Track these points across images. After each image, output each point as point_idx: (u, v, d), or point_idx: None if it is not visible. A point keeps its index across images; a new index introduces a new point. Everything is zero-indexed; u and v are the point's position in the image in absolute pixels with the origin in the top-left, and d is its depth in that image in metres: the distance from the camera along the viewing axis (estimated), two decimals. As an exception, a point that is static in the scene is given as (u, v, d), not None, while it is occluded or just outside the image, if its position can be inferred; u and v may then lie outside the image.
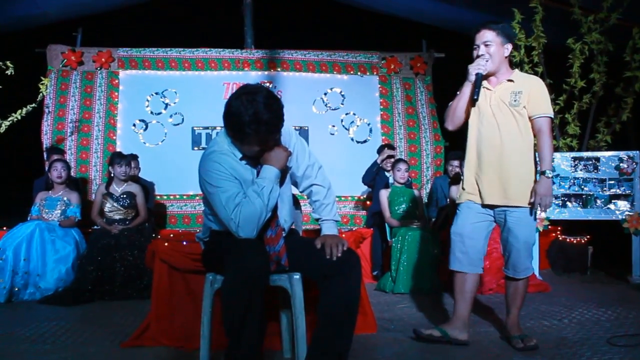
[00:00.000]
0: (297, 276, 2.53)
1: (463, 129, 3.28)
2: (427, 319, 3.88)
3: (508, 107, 3.07)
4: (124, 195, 5.29)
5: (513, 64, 3.15)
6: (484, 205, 3.16)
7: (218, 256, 2.50)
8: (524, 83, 3.10)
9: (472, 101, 3.11)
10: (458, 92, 3.19)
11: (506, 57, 3.13)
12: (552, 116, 3.10)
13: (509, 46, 3.12)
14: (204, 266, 2.68)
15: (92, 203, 5.43)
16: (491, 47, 3.07)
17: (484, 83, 3.11)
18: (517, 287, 3.18)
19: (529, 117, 3.06)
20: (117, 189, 5.32)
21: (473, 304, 3.24)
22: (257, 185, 2.43)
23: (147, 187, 6.10)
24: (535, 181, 3.07)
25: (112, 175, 5.33)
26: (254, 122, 2.32)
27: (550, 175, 3.02)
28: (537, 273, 5.36)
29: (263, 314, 2.38)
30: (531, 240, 3.14)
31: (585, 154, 5.71)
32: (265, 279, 2.40)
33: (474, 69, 3.06)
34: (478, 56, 3.09)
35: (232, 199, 2.40)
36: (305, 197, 2.80)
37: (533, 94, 3.05)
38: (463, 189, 3.24)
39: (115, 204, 5.25)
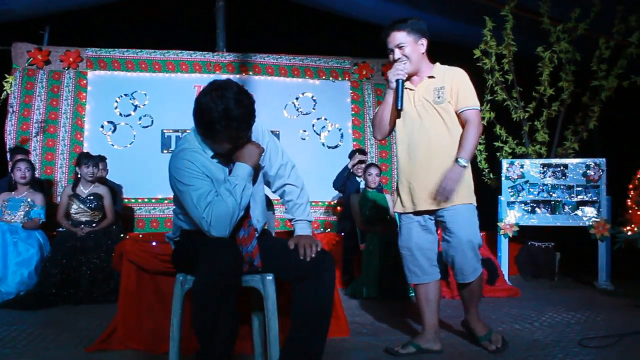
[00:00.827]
0: (270, 277, 2.48)
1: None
2: (399, 323, 3.87)
3: (432, 105, 2.97)
4: (91, 197, 5.16)
5: (438, 62, 3.07)
6: (422, 212, 3.05)
7: (189, 256, 2.44)
8: (445, 77, 2.98)
9: (397, 111, 3.01)
10: (382, 100, 3.15)
11: (423, 53, 3.02)
12: (479, 107, 2.99)
13: (424, 41, 3.00)
14: (174, 267, 2.61)
15: (58, 205, 5.27)
16: (405, 48, 2.96)
17: (407, 84, 3.02)
18: (471, 290, 3.09)
19: (456, 112, 2.96)
20: (83, 190, 5.19)
21: (439, 311, 3.17)
22: (229, 183, 2.37)
23: (115, 190, 5.98)
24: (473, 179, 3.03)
25: (79, 176, 5.20)
26: (225, 118, 2.25)
27: (463, 164, 2.89)
28: (506, 279, 5.41)
29: (235, 316, 2.32)
30: (475, 239, 2.96)
31: (553, 161, 5.79)
32: (238, 279, 2.35)
33: (393, 76, 2.95)
34: (395, 60, 2.98)
35: (203, 198, 2.33)
36: (278, 197, 2.76)
37: (455, 88, 2.94)
38: (398, 196, 3.13)
39: (81, 206, 5.12)
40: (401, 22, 2.98)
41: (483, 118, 6.11)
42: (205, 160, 2.43)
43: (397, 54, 2.97)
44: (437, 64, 3.08)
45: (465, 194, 2.96)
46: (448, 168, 2.91)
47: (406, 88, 3.01)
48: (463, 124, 2.97)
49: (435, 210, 3.01)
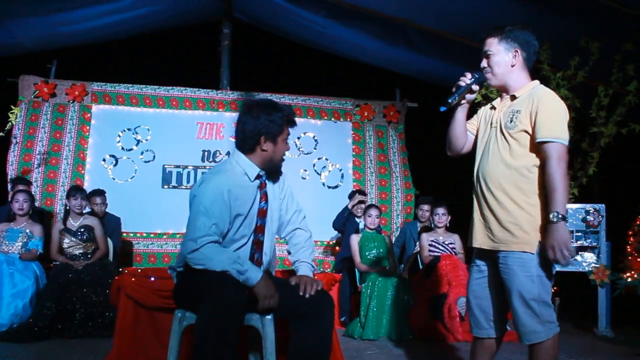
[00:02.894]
0: (269, 316, 2.47)
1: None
2: (397, 365, 3.82)
3: (503, 129, 2.55)
4: (82, 229, 5.17)
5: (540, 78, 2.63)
6: (481, 254, 2.68)
7: (192, 291, 2.43)
8: (527, 99, 2.51)
9: (447, 104, 2.61)
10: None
11: (513, 66, 2.57)
12: (564, 141, 2.41)
13: (518, 52, 2.55)
14: (175, 301, 2.59)
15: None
16: (492, 57, 2.57)
17: (495, 102, 2.70)
18: (531, 355, 2.51)
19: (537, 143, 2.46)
20: (73, 223, 5.21)
21: None
22: (240, 262, 2.40)
23: (113, 223, 5.98)
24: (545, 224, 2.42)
25: (68, 209, 5.21)
26: (289, 111, 2.58)
27: (554, 220, 2.34)
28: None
29: (237, 353, 2.30)
30: (529, 294, 2.42)
31: (553, 206, 5.79)
32: (242, 318, 2.33)
33: (457, 84, 2.62)
34: (482, 68, 2.62)
35: (209, 229, 2.40)
36: (286, 241, 2.85)
37: (534, 112, 2.45)
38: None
39: (73, 239, 5.12)
40: (498, 28, 2.61)
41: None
42: (243, 182, 2.54)
43: (483, 62, 2.62)
44: (534, 82, 2.61)
45: (521, 239, 2.46)
46: (500, 206, 2.53)
47: (490, 108, 2.71)
48: (542, 160, 2.46)
49: (490, 252, 2.59)
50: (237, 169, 2.56)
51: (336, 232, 6.72)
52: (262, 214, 2.61)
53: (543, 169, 2.45)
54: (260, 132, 2.52)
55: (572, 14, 5.33)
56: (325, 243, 7.39)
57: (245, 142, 2.55)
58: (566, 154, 2.43)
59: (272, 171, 2.65)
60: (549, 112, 2.43)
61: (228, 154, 7.14)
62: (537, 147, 2.46)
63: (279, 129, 2.55)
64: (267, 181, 2.65)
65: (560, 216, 2.34)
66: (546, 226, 2.40)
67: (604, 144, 5.92)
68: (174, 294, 2.62)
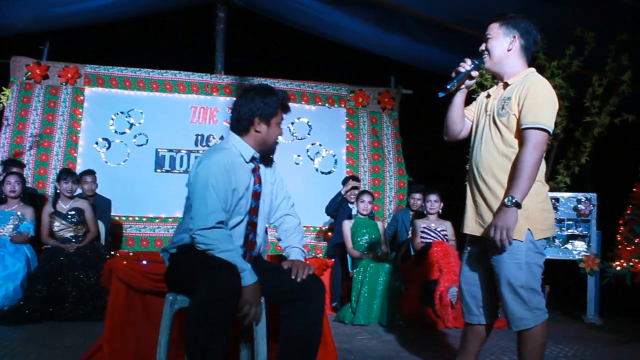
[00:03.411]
0: (261, 300, 2.47)
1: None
2: (387, 350, 3.84)
3: (495, 116, 2.56)
4: (72, 212, 5.17)
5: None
6: (473, 240, 2.70)
7: (185, 275, 2.44)
8: (518, 86, 2.51)
9: (445, 90, 2.62)
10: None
11: (510, 51, 2.57)
12: (547, 128, 2.42)
13: (516, 38, 2.56)
14: (167, 284, 2.60)
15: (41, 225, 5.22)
16: (490, 41, 2.59)
17: (491, 90, 2.70)
18: (519, 342, 2.55)
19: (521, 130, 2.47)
20: (63, 206, 5.20)
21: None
22: (241, 261, 2.39)
23: (103, 204, 5.97)
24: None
25: (58, 192, 5.20)
26: (283, 96, 2.62)
27: (507, 204, 2.37)
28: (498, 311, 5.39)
29: (229, 338, 2.31)
30: (517, 281, 2.44)
31: (545, 194, 5.82)
32: (237, 303, 2.33)
33: (456, 70, 2.63)
34: (481, 51, 2.63)
35: (219, 212, 2.42)
36: (275, 228, 2.86)
37: (523, 99, 2.45)
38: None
39: (64, 222, 5.11)
40: (501, 14, 2.61)
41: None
42: (238, 163, 2.57)
43: (482, 45, 2.63)
44: (529, 69, 2.60)
45: None
46: (491, 193, 2.54)
47: (485, 96, 2.71)
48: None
49: (480, 238, 2.61)
50: (233, 149, 2.59)
51: (329, 218, 6.74)
52: (256, 196, 2.63)
53: (518, 153, 2.46)
54: (254, 113, 2.57)
55: (568, 3, 5.32)
56: (317, 229, 7.41)
57: (240, 123, 2.60)
58: (545, 142, 2.45)
59: (265, 154, 2.69)
60: (536, 99, 2.44)
61: (222, 138, 7.12)
62: (521, 133, 2.47)
63: (273, 112, 2.59)
64: (260, 165, 2.68)
65: (514, 202, 2.37)
66: (500, 206, 2.44)
67: (597, 133, 5.93)
68: (165, 277, 2.62)
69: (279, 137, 2.70)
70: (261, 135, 2.60)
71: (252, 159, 2.63)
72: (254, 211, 2.63)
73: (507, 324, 2.56)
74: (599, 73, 5.88)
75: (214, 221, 2.39)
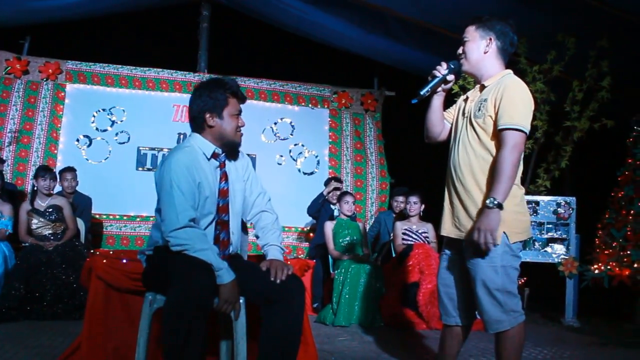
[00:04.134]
0: (240, 300, 2.46)
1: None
2: (368, 351, 3.85)
3: (473, 119, 2.55)
4: (50, 209, 5.11)
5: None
6: (450, 243, 2.70)
7: (160, 274, 2.42)
8: (494, 87, 2.50)
9: (418, 96, 2.63)
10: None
11: (486, 53, 2.57)
12: (522, 129, 2.41)
13: (492, 41, 2.56)
14: (144, 284, 2.58)
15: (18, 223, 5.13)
16: (467, 44, 2.59)
17: (469, 93, 2.69)
18: (496, 344, 2.54)
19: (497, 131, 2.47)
20: (41, 203, 5.14)
21: None
22: (217, 259, 2.36)
23: (84, 203, 5.91)
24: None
25: (36, 189, 5.14)
26: (232, 85, 2.57)
27: (490, 205, 2.36)
28: (476, 312, 5.42)
29: (205, 338, 2.30)
30: (493, 284, 2.44)
31: (526, 197, 5.87)
32: (211, 300, 2.32)
33: (432, 73, 2.63)
34: (458, 54, 2.63)
35: (186, 212, 2.39)
36: (252, 225, 2.81)
37: (499, 100, 2.45)
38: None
39: (42, 219, 5.05)
40: (477, 17, 2.61)
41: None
42: (202, 161, 2.55)
43: (460, 48, 2.62)
44: (506, 71, 2.59)
45: None
46: (467, 195, 2.54)
47: (465, 99, 2.68)
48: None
49: (456, 240, 2.62)
50: (195, 147, 2.57)
51: (311, 219, 6.73)
52: (223, 194, 2.60)
53: (496, 154, 2.46)
54: (202, 109, 2.55)
55: (550, 8, 5.38)
56: (299, 229, 7.40)
57: (194, 121, 2.59)
58: (522, 143, 2.45)
59: (229, 149, 2.64)
60: (512, 100, 2.44)
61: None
62: (497, 135, 2.47)
63: (223, 103, 2.55)
64: (226, 161, 2.65)
65: (496, 203, 2.37)
66: (481, 209, 2.44)
67: (577, 138, 6.01)
68: (143, 278, 2.60)
69: (241, 129, 2.63)
70: (216, 130, 2.56)
71: (215, 155, 2.59)
72: (223, 209, 2.60)
73: (483, 326, 2.58)
74: (579, 78, 5.96)
75: (184, 220, 2.37)
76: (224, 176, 2.61)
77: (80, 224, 5.45)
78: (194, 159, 2.51)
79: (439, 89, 2.69)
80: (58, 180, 5.53)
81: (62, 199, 5.27)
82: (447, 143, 2.85)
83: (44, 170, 5.21)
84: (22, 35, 7.14)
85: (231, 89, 2.57)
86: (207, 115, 2.54)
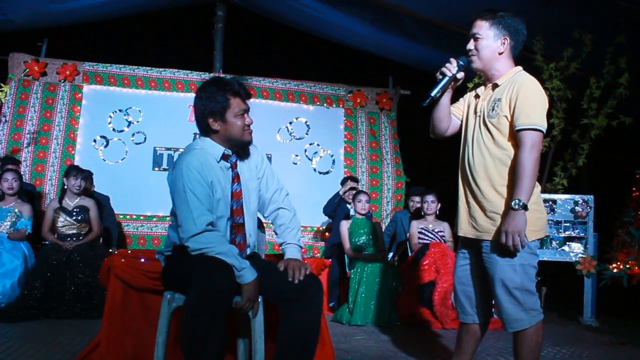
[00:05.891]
0: (258, 300, 2.47)
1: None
2: (385, 351, 3.84)
3: (485, 118, 2.55)
4: (77, 209, 5.14)
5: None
6: (466, 242, 2.71)
7: (180, 274, 2.43)
8: (507, 87, 2.50)
9: (429, 98, 2.64)
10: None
11: (501, 54, 2.55)
12: (540, 128, 2.42)
13: (507, 40, 2.54)
14: (163, 284, 2.59)
15: (43, 218, 5.21)
16: (480, 41, 2.55)
17: (479, 90, 2.68)
18: (515, 343, 2.55)
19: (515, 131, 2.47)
20: (69, 203, 5.17)
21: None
22: (238, 260, 2.37)
23: (103, 203, 5.95)
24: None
25: (65, 187, 5.19)
26: (232, 83, 2.50)
27: (515, 207, 2.37)
28: (493, 311, 5.40)
29: (224, 336, 2.31)
30: (511, 282, 2.45)
31: (542, 196, 5.82)
32: (230, 300, 2.33)
33: (441, 70, 2.61)
34: (468, 50, 2.60)
35: (203, 216, 2.39)
36: (270, 221, 2.81)
37: (514, 100, 2.45)
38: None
39: (68, 219, 5.09)
40: (490, 12, 2.57)
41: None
42: (213, 164, 2.52)
43: (470, 44, 2.58)
44: (516, 68, 2.59)
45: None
46: (483, 195, 2.54)
47: (474, 97, 2.69)
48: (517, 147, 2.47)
49: (474, 240, 2.61)
50: (204, 149, 2.54)
51: (326, 218, 6.73)
52: (236, 196, 2.58)
53: (515, 155, 2.46)
54: (204, 113, 2.50)
55: (566, 5, 5.33)
56: (315, 229, 7.41)
57: (200, 125, 2.56)
58: (540, 142, 2.45)
59: (239, 149, 2.61)
60: (527, 99, 2.43)
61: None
62: (515, 135, 2.47)
63: (223, 106, 2.48)
64: (238, 161, 2.62)
65: (521, 204, 2.37)
66: (507, 211, 2.43)
67: (594, 135, 5.95)
68: (162, 278, 2.61)
69: (249, 127, 2.55)
70: (222, 133, 2.53)
71: (225, 157, 2.56)
72: (237, 212, 2.57)
73: (502, 325, 2.57)
74: (597, 75, 5.90)
75: (202, 225, 2.36)
76: (237, 178, 2.59)
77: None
78: (204, 161, 2.49)
79: (449, 87, 2.68)
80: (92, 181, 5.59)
81: (90, 201, 5.28)
82: (458, 140, 2.84)
83: (76, 170, 5.24)
84: (39, 38, 7.24)
85: (231, 88, 2.50)
86: (210, 120, 2.50)
